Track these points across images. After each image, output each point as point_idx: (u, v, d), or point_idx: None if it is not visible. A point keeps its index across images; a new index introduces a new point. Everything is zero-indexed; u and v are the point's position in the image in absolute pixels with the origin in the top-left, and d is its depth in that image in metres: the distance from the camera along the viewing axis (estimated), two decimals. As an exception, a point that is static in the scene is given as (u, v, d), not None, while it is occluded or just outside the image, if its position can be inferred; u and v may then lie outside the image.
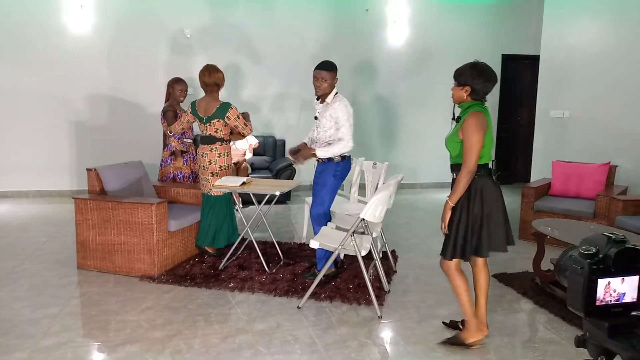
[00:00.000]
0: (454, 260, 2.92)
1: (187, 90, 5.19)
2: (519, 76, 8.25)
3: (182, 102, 5.17)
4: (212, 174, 4.39)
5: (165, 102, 5.15)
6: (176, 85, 5.09)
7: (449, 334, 3.18)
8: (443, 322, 3.32)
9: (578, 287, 0.66)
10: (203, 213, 4.45)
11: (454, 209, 2.87)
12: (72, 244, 4.45)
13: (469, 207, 2.84)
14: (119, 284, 3.92)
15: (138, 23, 6.94)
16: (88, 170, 4.41)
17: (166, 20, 7.00)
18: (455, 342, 3.03)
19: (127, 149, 6.74)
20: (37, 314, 3.36)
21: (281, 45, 7.33)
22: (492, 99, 8.06)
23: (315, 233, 3.86)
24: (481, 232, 2.84)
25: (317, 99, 4.02)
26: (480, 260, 3.01)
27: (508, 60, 8.07)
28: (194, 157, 5.13)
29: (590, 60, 5.97)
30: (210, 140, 4.36)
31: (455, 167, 2.91)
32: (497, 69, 7.99)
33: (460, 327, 3.19)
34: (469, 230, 2.84)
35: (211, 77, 4.32)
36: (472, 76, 2.81)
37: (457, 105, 2.94)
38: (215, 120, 4.30)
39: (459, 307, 3.25)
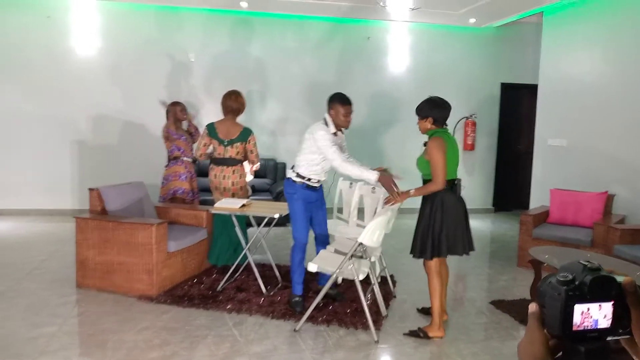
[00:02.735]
0: (434, 262, 3.42)
1: (186, 110, 5.34)
2: (518, 105, 8.36)
3: (184, 120, 5.32)
4: (233, 194, 4.57)
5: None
6: (176, 107, 5.26)
7: (445, 358, 3.18)
8: (417, 309, 3.86)
9: (556, 313, 0.69)
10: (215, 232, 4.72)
11: (422, 217, 3.45)
12: (71, 262, 4.46)
13: (431, 216, 3.40)
14: (118, 303, 3.93)
15: (142, 46, 7.08)
16: (90, 190, 4.45)
17: (170, 44, 7.14)
18: (416, 334, 3.47)
19: (129, 169, 6.80)
20: (34, 333, 3.36)
21: (282, 71, 7.45)
22: (492, 126, 8.24)
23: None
24: (440, 238, 3.37)
25: (334, 133, 3.79)
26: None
27: (507, 88, 8.20)
28: (192, 176, 5.25)
29: (587, 89, 6.07)
30: (231, 162, 4.58)
31: (426, 182, 3.48)
32: (496, 97, 8.18)
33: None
34: (435, 236, 3.38)
35: (237, 101, 4.58)
36: (430, 108, 3.42)
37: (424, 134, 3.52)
38: (238, 144, 4.53)
39: (456, 333, 3.28)
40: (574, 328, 0.67)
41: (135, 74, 7.09)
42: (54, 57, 6.88)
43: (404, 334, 3.50)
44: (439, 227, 3.37)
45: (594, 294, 0.67)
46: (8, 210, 6.96)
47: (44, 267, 4.78)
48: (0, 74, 6.79)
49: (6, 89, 6.83)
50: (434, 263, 3.44)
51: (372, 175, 3.53)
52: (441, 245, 3.38)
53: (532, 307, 0.75)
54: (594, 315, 0.68)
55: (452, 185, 3.42)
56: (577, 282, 0.68)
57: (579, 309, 0.67)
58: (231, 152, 4.54)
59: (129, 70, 7.07)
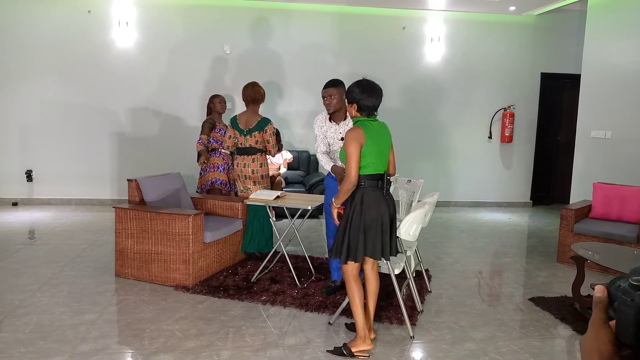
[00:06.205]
0: (350, 266, 3.03)
1: (225, 102, 5.54)
2: (559, 95, 8.09)
3: (223, 113, 5.51)
4: (255, 182, 4.67)
5: (207, 117, 5.51)
6: (215, 100, 5.46)
7: (483, 357, 3.11)
8: (345, 324, 3.41)
9: (628, 320, 0.63)
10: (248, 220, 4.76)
11: (345, 213, 3.02)
12: (111, 252, 4.57)
13: (349, 215, 2.99)
14: (155, 292, 4.00)
15: (179, 40, 7.15)
16: (129, 180, 4.54)
17: (207, 37, 7.19)
18: (340, 352, 3.06)
19: (166, 160, 6.92)
20: (75, 320, 3.46)
21: (317, 63, 7.41)
22: (531, 117, 7.99)
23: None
24: (358, 240, 2.97)
25: (330, 121, 3.86)
26: (367, 266, 3.16)
27: (547, 78, 7.93)
28: (230, 167, 5.35)
29: (634, 79, 5.81)
30: (251, 151, 4.65)
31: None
32: (535, 87, 7.92)
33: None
34: (351, 236, 2.97)
35: (254, 91, 4.68)
36: (356, 93, 2.96)
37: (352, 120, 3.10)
38: (256, 132, 4.61)
39: (494, 329, 3.20)
40: None
41: (172, 66, 7.18)
42: (94, 51, 7.03)
43: (327, 351, 3.10)
44: (356, 228, 2.95)
45: None
46: (50, 200, 7.20)
47: (85, 255, 4.91)
48: (43, 67, 6.99)
49: (49, 82, 7.02)
50: (350, 267, 3.04)
51: (328, 166, 3.70)
52: (357, 248, 2.96)
53: (599, 290, 0.68)
54: None
55: (378, 180, 2.99)
56: None
57: None
58: (250, 141, 4.63)
59: (166, 63, 7.17)
